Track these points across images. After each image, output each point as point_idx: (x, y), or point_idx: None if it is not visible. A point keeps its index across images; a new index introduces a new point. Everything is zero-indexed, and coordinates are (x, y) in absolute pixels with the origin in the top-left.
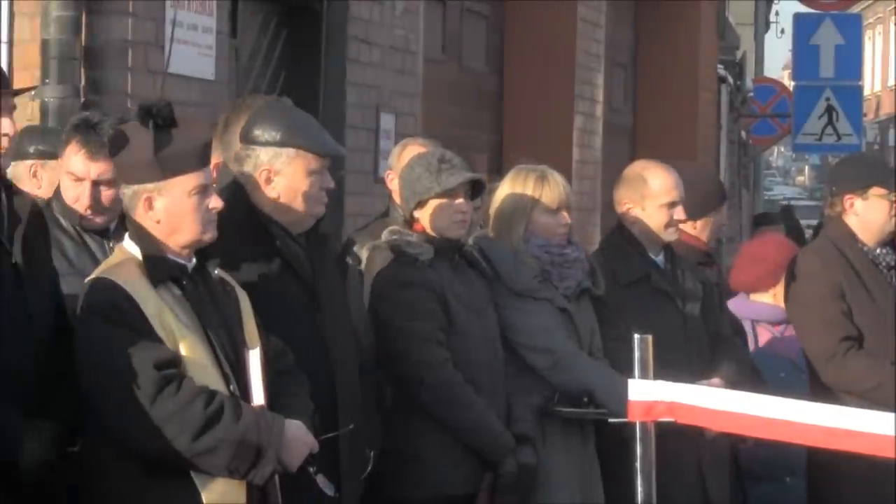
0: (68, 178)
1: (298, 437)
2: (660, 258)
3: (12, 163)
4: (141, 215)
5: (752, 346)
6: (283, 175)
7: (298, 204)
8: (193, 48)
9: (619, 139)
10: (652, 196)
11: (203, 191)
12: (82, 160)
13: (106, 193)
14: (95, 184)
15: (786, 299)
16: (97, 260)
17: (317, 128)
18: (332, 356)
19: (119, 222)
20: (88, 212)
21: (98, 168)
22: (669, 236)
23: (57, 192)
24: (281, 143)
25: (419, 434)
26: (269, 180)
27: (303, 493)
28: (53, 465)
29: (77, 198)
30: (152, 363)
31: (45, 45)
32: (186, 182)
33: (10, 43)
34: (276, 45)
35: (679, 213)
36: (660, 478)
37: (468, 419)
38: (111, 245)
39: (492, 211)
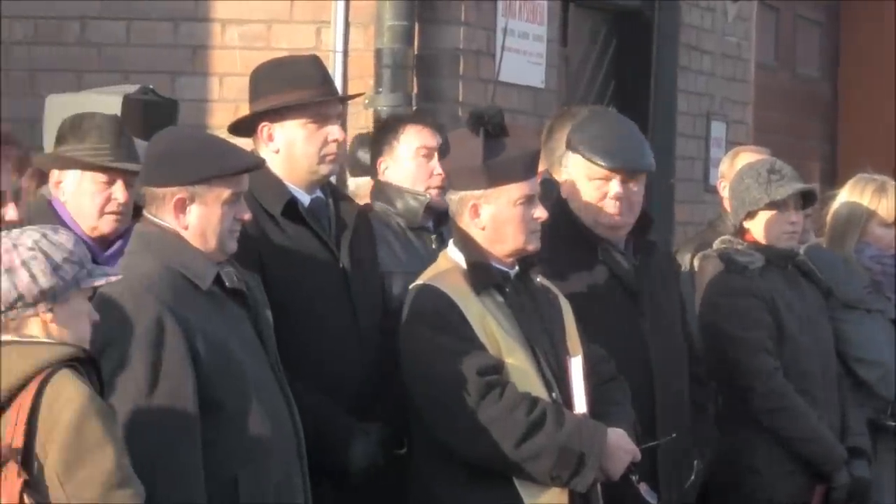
0: (417, 157)
1: (621, 445)
2: None
3: (350, 177)
4: (466, 222)
5: None
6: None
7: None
8: (524, 56)
9: None
10: None
11: (529, 201)
12: (430, 132)
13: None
14: None
15: None
16: (421, 256)
17: (629, 139)
18: (652, 364)
19: (435, 224)
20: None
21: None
22: None
23: (374, 193)
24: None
25: (751, 445)
26: None
27: (625, 502)
28: (381, 468)
29: (431, 171)
30: (476, 370)
31: (378, 54)
32: (513, 191)
33: (345, 52)
34: (606, 53)
35: None
36: None
37: (800, 429)
38: (434, 242)
39: (828, 219)
